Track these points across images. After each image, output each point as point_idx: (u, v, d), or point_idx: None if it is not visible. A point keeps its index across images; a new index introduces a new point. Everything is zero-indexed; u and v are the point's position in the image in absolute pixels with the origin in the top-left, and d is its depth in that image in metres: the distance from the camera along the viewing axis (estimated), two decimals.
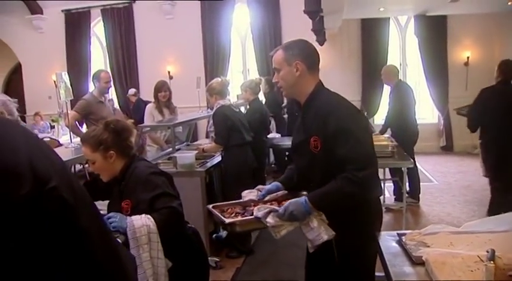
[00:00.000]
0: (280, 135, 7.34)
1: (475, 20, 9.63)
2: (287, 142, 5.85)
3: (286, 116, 8.27)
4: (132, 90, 10.01)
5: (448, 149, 10.07)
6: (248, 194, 2.63)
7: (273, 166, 7.64)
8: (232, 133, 4.59)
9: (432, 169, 8.35)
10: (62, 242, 0.94)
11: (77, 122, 5.35)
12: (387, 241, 2.16)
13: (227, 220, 2.34)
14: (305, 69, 2.36)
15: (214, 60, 10.52)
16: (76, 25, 11.37)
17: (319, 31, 7.80)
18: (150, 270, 2.33)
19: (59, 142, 8.23)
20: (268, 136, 6.25)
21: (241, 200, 2.60)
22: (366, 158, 2.19)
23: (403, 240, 2.09)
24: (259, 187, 2.65)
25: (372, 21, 9.94)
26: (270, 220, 2.24)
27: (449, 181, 7.61)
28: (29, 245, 0.89)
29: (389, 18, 10.01)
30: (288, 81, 2.39)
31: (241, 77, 10.83)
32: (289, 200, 2.28)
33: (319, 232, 2.20)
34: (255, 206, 2.43)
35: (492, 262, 1.69)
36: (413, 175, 6.04)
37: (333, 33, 9.49)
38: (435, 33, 9.72)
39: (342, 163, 2.18)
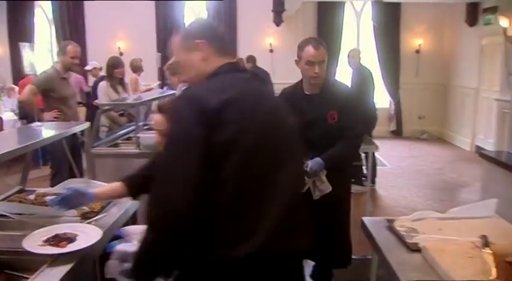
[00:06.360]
0: None
1: (427, 9, 9.83)
2: None
3: None
4: (95, 64, 8.00)
5: (397, 133, 10.30)
6: None
7: None
8: None
9: (384, 153, 8.49)
10: None
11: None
12: (378, 227, 2.16)
13: None
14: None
15: (167, 37, 10.11)
16: None
17: (279, 12, 7.71)
18: None
19: (1, 118, 7.66)
20: None
21: None
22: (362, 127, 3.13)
23: (394, 226, 2.10)
24: None
25: (328, 5, 9.89)
26: None
27: (402, 165, 7.78)
28: None
29: (345, 3, 10.04)
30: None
31: None
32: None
33: (329, 185, 2.97)
34: None
35: (487, 248, 1.74)
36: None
37: (289, 15, 9.40)
38: (390, 20, 9.85)
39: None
